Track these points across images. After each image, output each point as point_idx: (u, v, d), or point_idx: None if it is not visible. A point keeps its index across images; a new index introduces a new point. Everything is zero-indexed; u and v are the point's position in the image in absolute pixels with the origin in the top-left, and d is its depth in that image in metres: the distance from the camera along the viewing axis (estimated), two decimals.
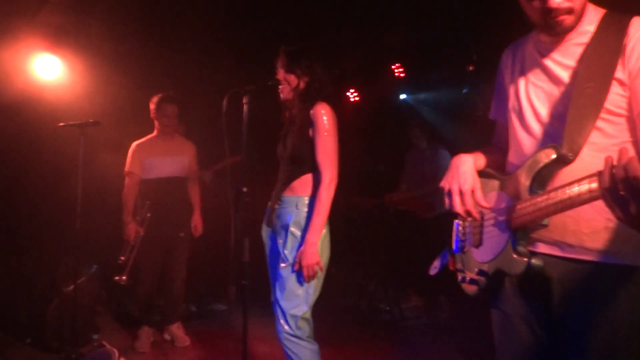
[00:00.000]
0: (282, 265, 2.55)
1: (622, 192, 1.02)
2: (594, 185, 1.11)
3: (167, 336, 4.33)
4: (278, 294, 2.54)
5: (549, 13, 1.36)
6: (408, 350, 4.17)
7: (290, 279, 2.51)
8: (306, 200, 2.57)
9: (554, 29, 1.40)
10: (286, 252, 2.54)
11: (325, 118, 2.51)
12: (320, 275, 2.53)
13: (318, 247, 2.47)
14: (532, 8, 1.39)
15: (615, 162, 1.04)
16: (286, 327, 2.49)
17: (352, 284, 5.57)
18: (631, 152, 1.03)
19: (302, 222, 2.55)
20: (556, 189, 1.25)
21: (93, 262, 4.40)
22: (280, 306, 2.51)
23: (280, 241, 2.60)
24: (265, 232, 2.76)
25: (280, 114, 2.80)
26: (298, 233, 2.54)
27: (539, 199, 1.32)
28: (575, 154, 1.35)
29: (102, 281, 4.49)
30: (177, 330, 4.27)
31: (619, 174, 1.02)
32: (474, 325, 4.51)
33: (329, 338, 2.63)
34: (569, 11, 1.36)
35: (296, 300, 2.49)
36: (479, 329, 4.39)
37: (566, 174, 1.36)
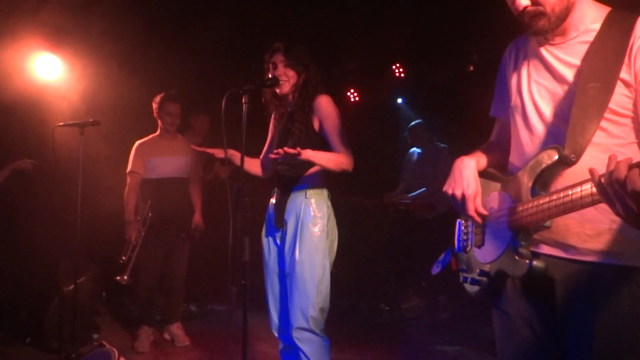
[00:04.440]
0: (295, 256, 2.55)
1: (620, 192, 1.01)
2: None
3: (167, 336, 4.33)
4: (291, 289, 2.56)
5: (519, 15, 1.39)
6: (408, 350, 4.17)
7: (302, 272, 2.54)
8: (314, 190, 2.60)
9: (529, 30, 1.42)
10: (297, 242, 2.56)
11: (331, 106, 2.59)
12: (328, 271, 2.59)
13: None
14: (512, 8, 1.42)
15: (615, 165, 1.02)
16: (300, 322, 2.52)
17: (352, 284, 5.57)
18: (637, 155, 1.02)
19: (312, 212, 2.57)
20: (559, 191, 1.25)
21: (93, 261, 4.40)
22: (294, 301, 2.54)
23: (289, 234, 2.60)
24: (265, 237, 2.75)
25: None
26: (309, 223, 2.56)
27: (541, 201, 1.31)
28: (578, 155, 1.33)
29: (102, 281, 4.49)
30: (177, 330, 4.27)
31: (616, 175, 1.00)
32: (474, 325, 4.51)
33: (329, 338, 2.64)
34: (538, 14, 1.37)
35: (310, 291, 2.53)
36: (479, 329, 4.40)
37: (569, 175, 1.35)
